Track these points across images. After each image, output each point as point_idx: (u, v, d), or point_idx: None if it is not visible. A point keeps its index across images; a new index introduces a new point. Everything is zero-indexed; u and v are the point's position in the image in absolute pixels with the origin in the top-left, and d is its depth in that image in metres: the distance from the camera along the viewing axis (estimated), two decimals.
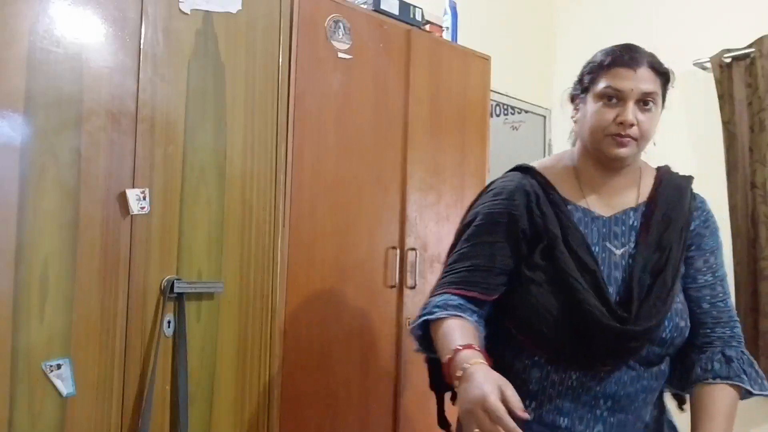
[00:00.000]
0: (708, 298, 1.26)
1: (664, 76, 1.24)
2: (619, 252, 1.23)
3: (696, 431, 1.18)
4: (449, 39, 2.43)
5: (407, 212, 2.15)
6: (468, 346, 1.04)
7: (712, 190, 2.87)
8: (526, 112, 3.44)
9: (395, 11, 2.16)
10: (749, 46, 2.76)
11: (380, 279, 2.06)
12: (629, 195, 1.28)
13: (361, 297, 2.00)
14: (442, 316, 1.15)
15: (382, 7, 2.13)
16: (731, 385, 1.19)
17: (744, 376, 1.20)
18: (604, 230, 1.25)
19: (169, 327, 1.56)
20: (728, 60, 2.83)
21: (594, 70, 1.24)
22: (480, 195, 1.36)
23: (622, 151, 1.21)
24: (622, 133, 1.19)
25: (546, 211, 1.23)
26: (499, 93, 3.15)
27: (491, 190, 1.32)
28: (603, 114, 1.20)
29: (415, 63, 2.19)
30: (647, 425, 1.24)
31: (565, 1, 3.61)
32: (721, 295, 1.27)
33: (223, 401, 1.66)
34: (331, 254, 1.93)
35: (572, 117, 1.30)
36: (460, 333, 1.10)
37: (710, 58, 2.87)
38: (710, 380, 1.20)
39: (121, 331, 1.49)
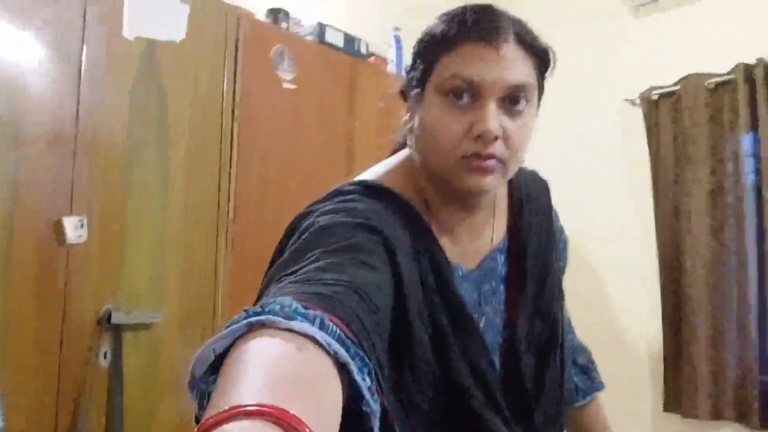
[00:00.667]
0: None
1: (540, 55, 0.80)
2: (491, 326, 0.85)
3: None
4: (394, 71, 2.48)
5: None
6: (248, 411, 0.39)
7: (641, 219, 3.04)
8: None
9: (340, 44, 2.20)
10: (675, 84, 2.93)
11: None
12: (488, 230, 0.87)
13: None
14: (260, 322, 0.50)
15: (327, 39, 2.16)
16: (591, 403, 1.13)
17: (596, 375, 1.13)
18: (476, 295, 0.85)
19: (105, 358, 1.51)
20: (656, 97, 3.00)
21: (431, 48, 0.77)
22: (317, 208, 0.83)
23: (485, 183, 0.76)
24: (483, 153, 0.74)
25: (429, 280, 0.77)
26: None
27: (348, 199, 0.81)
28: (449, 123, 0.75)
29: (359, 95, 2.23)
30: None
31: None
32: (566, 311, 1.02)
33: None
34: None
35: (405, 123, 0.85)
36: (268, 371, 0.45)
37: (640, 94, 3.03)
38: (581, 401, 1.10)
39: (55, 362, 1.43)
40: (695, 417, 2.71)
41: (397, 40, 2.53)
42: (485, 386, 0.78)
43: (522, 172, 0.93)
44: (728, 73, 2.78)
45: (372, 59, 2.39)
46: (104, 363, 1.51)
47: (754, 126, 2.71)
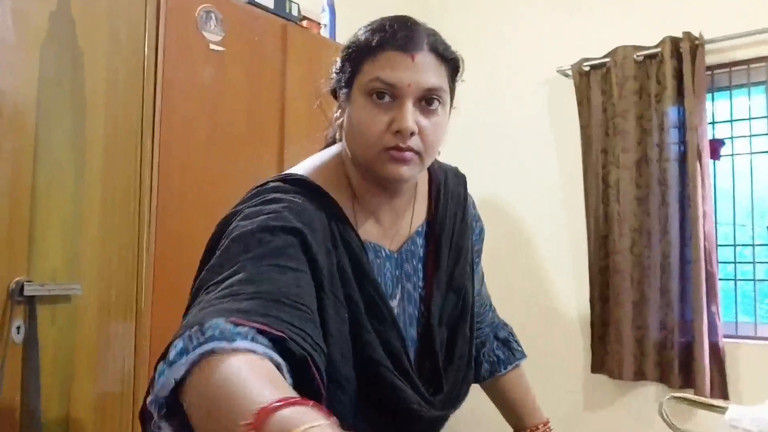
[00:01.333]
0: (477, 302, 1.11)
1: (451, 63, 0.92)
2: (409, 302, 0.97)
3: (517, 419, 1.22)
4: (327, 36, 2.43)
5: None
6: (290, 401, 0.52)
7: (571, 190, 3.11)
8: None
9: (270, 5, 2.12)
10: (605, 56, 2.98)
11: None
12: (409, 215, 0.99)
13: None
14: (219, 350, 0.61)
15: (257, 0, 2.08)
16: (512, 371, 1.23)
17: (519, 348, 1.25)
18: (397, 272, 0.97)
19: (18, 333, 1.44)
20: (587, 68, 3.04)
21: (357, 55, 0.89)
22: (242, 208, 0.92)
23: (403, 171, 0.88)
24: (402, 146, 0.86)
25: (344, 264, 0.87)
26: None
27: (269, 198, 0.89)
28: (372, 119, 0.86)
29: (291, 59, 2.16)
30: None
31: (440, 4, 3.72)
32: (484, 293, 1.21)
33: (82, 411, 1.55)
34: (201, 252, 1.85)
35: (335, 119, 0.97)
36: (259, 379, 0.57)
37: (571, 65, 3.07)
38: (502, 371, 1.21)
39: None
40: (620, 378, 2.83)
41: (331, 4, 2.47)
42: (395, 358, 0.89)
43: (442, 166, 1.07)
44: (656, 46, 2.85)
45: (304, 23, 2.32)
46: (17, 338, 1.43)
47: (679, 98, 2.80)
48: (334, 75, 0.96)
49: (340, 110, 0.95)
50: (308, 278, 0.78)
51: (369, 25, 0.92)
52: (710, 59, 2.79)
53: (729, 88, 2.91)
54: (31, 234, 1.46)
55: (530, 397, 1.25)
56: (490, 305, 1.26)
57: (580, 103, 3.05)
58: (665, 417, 1.51)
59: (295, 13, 2.22)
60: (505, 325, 1.30)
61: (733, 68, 2.86)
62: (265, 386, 0.55)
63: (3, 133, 1.42)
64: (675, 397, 1.61)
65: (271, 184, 0.93)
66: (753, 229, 2.85)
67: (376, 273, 0.93)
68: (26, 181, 1.46)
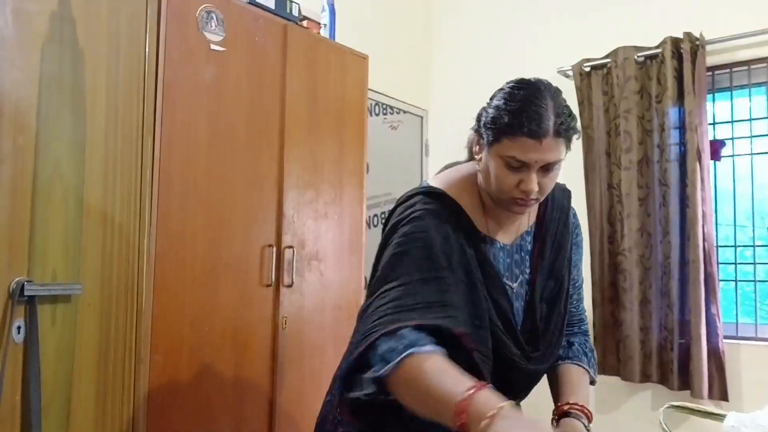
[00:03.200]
0: (575, 296, 1.39)
1: (570, 135, 1.17)
2: (517, 281, 1.26)
3: (559, 396, 1.31)
4: (327, 36, 2.43)
5: (284, 209, 2.12)
6: (484, 385, 0.92)
7: (573, 190, 3.10)
8: (405, 112, 3.51)
9: (271, 5, 2.12)
10: (606, 57, 2.98)
11: (255, 278, 2.02)
12: (523, 219, 1.29)
13: (235, 296, 1.95)
14: (424, 351, 0.99)
15: (258, 0, 2.08)
16: (574, 365, 1.35)
17: (584, 358, 1.37)
18: (509, 260, 1.27)
19: (19, 333, 1.44)
20: (587, 69, 3.04)
21: (496, 129, 1.14)
22: (400, 221, 1.22)
23: (524, 210, 1.21)
24: (525, 198, 1.15)
25: (466, 248, 1.18)
26: (377, 92, 3.19)
27: (413, 214, 1.20)
28: (505, 179, 1.15)
29: (291, 59, 2.17)
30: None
31: (441, 4, 3.72)
32: (575, 302, 1.40)
33: (82, 412, 1.55)
34: (202, 252, 1.86)
35: (475, 151, 1.24)
36: (456, 371, 0.97)
37: (572, 66, 3.07)
38: (559, 363, 1.36)
39: None
40: (627, 380, 2.82)
41: (331, 4, 2.47)
42: (505, 321, 1.19)
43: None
44: (657, 47, 2.84)
45: (305, 23, 2.32)
46: (18, 338, 1.43)
47: (680, 99, 2.79)
48: (480, 123, 1.20)
49: (478, 147, 1.21)
50: (452, 278, 1.13)
51: (509, 100, 1.13)
52: (711, 60, 2.79)
53: (730, 88, 2.91)
54: (32, 234, 1.46)
55: (582, 389, 1.32)
56: (580, 318, 1.42)
57: (581, 104, 3.05)
58: (664, 426, 1.51)
59: (295, 13, 2.22)
60: (587, 341, 1.42)
61: (734, 69, 2.86)
62: (458, 377, 0.95)
63: (4, 132, 1.42)
64: (674, 406, 1.61)
65: (413, 200, 1.24)
66: (754, 230, 2.85)
67: (494, 258, 1.23)
68: (26, 181, 1.46)
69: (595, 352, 1.42)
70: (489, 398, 0.89)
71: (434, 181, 1.29)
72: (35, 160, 1.47)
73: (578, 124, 1.19)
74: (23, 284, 1.42)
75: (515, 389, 1.22)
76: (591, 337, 1.47)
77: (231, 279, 1.94)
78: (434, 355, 0.99)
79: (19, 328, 1.44)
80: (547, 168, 1.14)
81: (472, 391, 0.90)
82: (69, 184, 1.54)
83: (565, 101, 1.17)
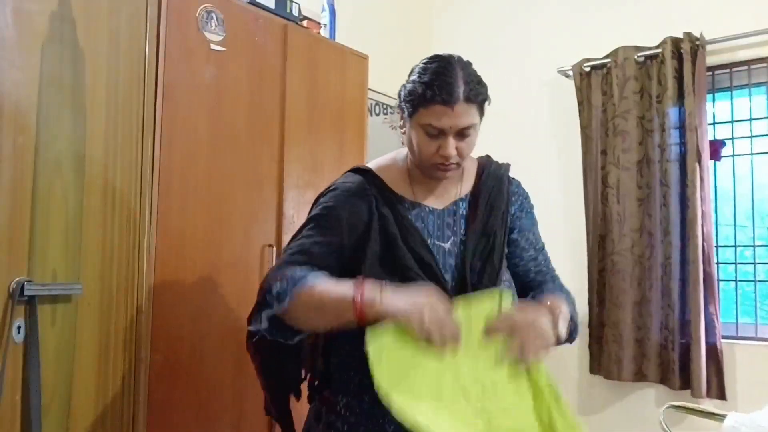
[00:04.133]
0: (533, 267, 1.45)
1: (481, 102, 1.28)
2: (450, 241, 1.34)
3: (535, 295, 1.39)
4: (327, 36, 2.43)
5: (284, 209, 2.12)
6: (365, 279, 1.15)
7: (571, 190, 3.11)
8: None
9: (271, 5, 2.12)
10: (606, 57, 2.98)
11: (255, 277, 2.02)
12: (456, 187, 1.39)
13: (235, 296, 1.95)
14: (308, 279, 1.20)
15: (258, 0, 2.08)
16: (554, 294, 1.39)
17: (561, 294, 1.39)
18: (439, 222, 1.36)
19: (19, 333, 1.44)
20: (587, 69, 3.04)
21: (413, 101, 1.26)
22: (323, 193, 1.40)
23: (446, 175, 1.32)
24: (445, 163, 1.27)
25: (384, 212, 1.30)
26: (378, 92, 3.19)
27: (333, 188, 1.37)
28: (425, 146, 1.26)
29: (291, 59, 2.16)
30: None
31: (441, 4, 3.72)
32: (543, 262, 1.47)
33: (82, 411, 1.55)
34: (203, 253, 1.86)
35: (400, 126, 1.35)
36: (341, 281, 1.18)
37: (572, 66, 3.07)
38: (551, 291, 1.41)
39: None
40: (618, 378, 2.82)
41: (331, 4, 2.47)
42: (425, 267, 1.27)
43: (491, 160, 1.47)
44: (657, 47, 2.84)
45: (305, 23, 2.32)
46: (18, 338, 1.43)
47: (680, 99, 2.79)
48: (400, 99, 1.31)
49: (402, 121, 1.33)
50: (334, 244, 1.29)
51: (423, 74, 1.26)
52: (711, 60, 2.79)
53: (730, 88, 2.91)
54: (32, 234, 1.46)
55: (561, 301, 1.34)
56: (552, 276, 1.48)
57: (580, 104, 3.04)
58: (664, 426, 1.51)
59: (295, 13, 2.22)
60: (568, 293, 1.44)
61: (734, 69, 2.86)
62: (344, 283, 1.16)
63: (4, 132, 1.42)
64: (674, 406, 1.62)
65: (347, 173, 1.40)
66: (754, 230, 2.85)
67: (420, 221, 1.33)
68: (27, 181, 1.46)
69: (572, 297, 1.42)
70: (375, 283, 1.13)
71: (370, 163, 1.44)
72: (35, 161, 1.47)
73: (487, 91, 1.28)
74: (23, 284, 1.42)
75: None
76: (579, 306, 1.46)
77: (231, 279, 1.94)
78: (319, 278, 1.19)
79: (19, 328, 1.44)
80: (462, 133, 1.25)
81: (360, 282, 1.13)
82: (69, 184, 1.54)
83: (475, 72, 1.28)
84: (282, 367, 1.39)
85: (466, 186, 1.41)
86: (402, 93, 1.31)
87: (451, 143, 1.25)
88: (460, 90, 1.22)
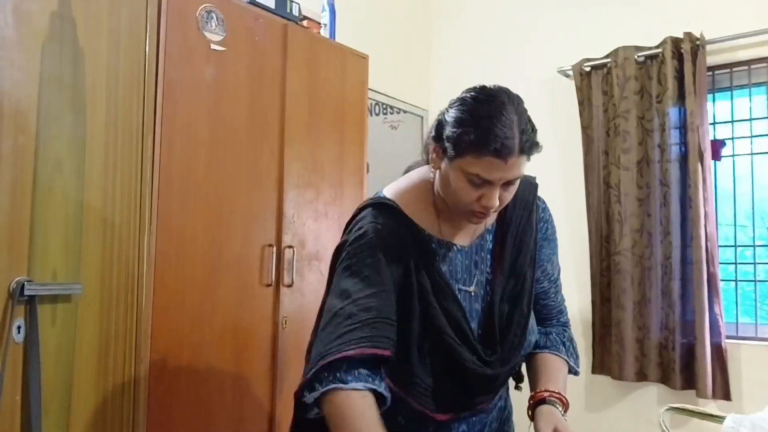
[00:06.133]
0: (542, 300, 1.37)
1: (533, 151, 1.15)
2: (475, 282, 1.25)
3: (536, 384, 1.32)
4: (327, 36, 2.43)
5: (284, 209, 2.12)
6: None
7: (573, 190, 3.11)
8: (405, 112, 3.51)
9: (271, 5, 2.12)
10: (606, 57, 2.98)
11: (255, 277, 2.02)
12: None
13: (235, 296, 1.95)
14: (346, 389, 1.06)
15: (258, 0, 2.08)
16: (552, 354, 1.35)
17: (562, 347, 1.36)
18: (467, 262, 1.25)
19: (19, 332, 1.44)
20: (588, 69, 3.04)
21: (460, 145, 1.11)
22: (348, 241, 1.22)
23: (482, 221, 1.21)
24: (485, 212, 1.15)
25: (415, 260, 1.19)
26: (378, 92, 3.19)
27: (360, 234, 1.20)
28: (466, 193, 1.13)
29: (291, 58, 2.16)
30: (500, 408, 1.36)
31: (441, 4, 3.72)
32: (552, 295, 1.39)
33: (82, 411, 1.55)
34: (202, 252, 1.86)
35: (432, 160, 1.21)
36: (365, 418, 1.04)
37: (572, 66, 3.07)
38: (536, 352, 1.35)
39: None
40: (621, 378, 2.82)
41: (331, 4, 2.47)
42: (456, 326, 1.18)
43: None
44: (657, 47, 2.84)
45: (305, 23, 2.32)
46: (18, 337, 1.43)
47: (680, 99, 2.79)
48: (441, 135, 1.16)
49: (436, 155, 1.19)
50: (389, 293, 1.15)
51: (474, 115, 1.10)
52: (711, 60, 2.79)
53: (730, 88, 2.91)
54: (32, 234, 1.46)
55: (560, 377, 1.31)
56: (559, 310, 1.41)
57: (581, 104, 3.04)
58: (664, 427, 1.51)
59: (295, 13, 2.22)
60: (565, 331, 1.41)
61: (734, 69, 2.86)
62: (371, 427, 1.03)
63: (4, 132, 1.42)
64: (673, 408, 1.62)
65: (363, 213, 1.25)
66: (754, 229, 2.85)
67: (448, 263, 1.23)
68: (27, 181, 1.46)
69: (575, 342, 1.40)
70: None
71: (388, 190, 1.28)
72: (35, 160, 1.47)
73: (538, 137, 1.15)
74: (23, 284, 1.42)
75: (476, 392, 1.23)
76: (577, 332, 1.49)
77: (231, 278, 1.94)
78: (356, 397, 1.06)
79: (19, 328, 1.44)
80: (508, 183, 1.14)
81: None
82: (69, 184, 1.54)
83: (526, 111, 1.14)
84: None
85: (493, 215, 1.25)
86: (446, 130, 1.14)
87: (496, 195, 1.12)
88: (516, 141, 1.08)
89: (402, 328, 1.14)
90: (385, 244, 1.18)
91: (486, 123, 1.08)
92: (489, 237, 1.28)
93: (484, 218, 1.18)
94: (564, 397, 1.26)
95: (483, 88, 1.15)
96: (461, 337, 1.19)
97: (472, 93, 1.15)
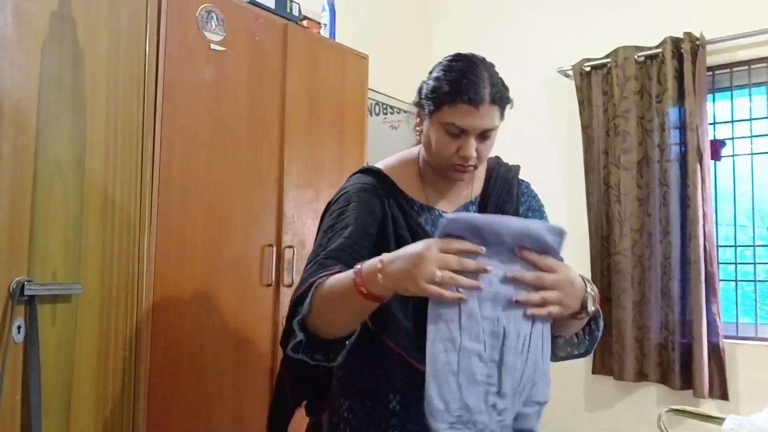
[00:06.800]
0: None
1: (504, 104, 1.25)
2: None
3: None
4: (327, 36, 2.43)
5: (284, 209, 2.12)
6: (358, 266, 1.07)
7: (573, 190, 3.11)
8: (405, 111, 3.51)
9: (271, 5, 2.12)
10: (606, 56, 2.98)
11: (255, 277, 2.02)
12: (467, 190, 1.37)
13: (235, 296, 1.95)
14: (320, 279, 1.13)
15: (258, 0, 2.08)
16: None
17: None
18: None
19: (19, 333, 1.44)
20: (588, 68, 3.04)
21: (437, 98, 1.22)
22: (333, 200, 1.33)
23: (463, 177, 1.29)
24: (464, 164, 1.23)
25: (396, 215, 1.26)
26: (378, 92, 3.19)
27: (344, 192, 1.30)
28: (445, 145, 1.22)
29: (291, 58, 2.16)
30: None
31: (441, 4, 3.72)
32: None
33: (82, 411, 1.55)
34: (203, 252, 1.86)
35: (416, 127, 1.32)
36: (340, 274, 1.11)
37: (572, 66, 3.07)
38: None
39: None
40: (621, 379, 2.82)
41: (331, 4, 2.47)
42: None
43: (500, 161, 1.43)
44: (657, 47, 2.84)
45: (305, 22, 2.32)
46: (18, 337, 1.43)
47: (680, 99, 2.79)
48: (421, 95, 1.27)
49: (419, 119, 1.30)
50: (374, 228, 1.23)
51: (448, 71, 1.22)
52: (711, 60, 2.79)
53: (730, 88, 2.91)
54: (32, 234, 1.46)
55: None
56: None
57: (581, 104, 3.05)
58: (663, 428, 1.52)
59: (295, 12, 2.22)
60: None
61: (734, 69, 2.86)
62: (348, 271, 1.07)
63: (4, 132, 1.42)
64: (673, 410, 1.62)
65: (351, 179, 1.35)
66: (754, 229, 2.85)
67: (430, 225, 1.29)
68: (27, 181, 1.46)
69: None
70: (373, 259, 1.05)
71: (378, 164, 1.39)
72: (35, 160, 1.47)
73: (509, 94, 1.25)
74: (23, 284, 1.42)
75: None
76: None
77: (231, 279, 1.94)
78: (328, 276, 1.12)
79: (19, 327, 1.44)
80: (483, 135, 1.22)
81: (358, 266, 1.06)
82: (69, 184, 1.54)
83: (498, 74, 1.25)
84: (313, 381, 1.31)
85: (476, 188, 1.38)
86: (423, 89, 1.26)
87: (472, 144, 1.21)
88: (487, 91, 1.19)
89: None
90: (367, 202, 1.26)
91: (459, 75, 1.20)
92: (472, 208, 1.36)
93: (465, 172, 1.25)
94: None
95: (458, 53, 1.27)
96: None
97: (448, 57, 1.27)
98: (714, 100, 2.94)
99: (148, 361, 1.69)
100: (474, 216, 1.16)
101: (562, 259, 1.10)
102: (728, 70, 2.87)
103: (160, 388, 1.72)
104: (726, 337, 2.71)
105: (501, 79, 1.25)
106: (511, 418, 1.07)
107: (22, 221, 1.45)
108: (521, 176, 1.44)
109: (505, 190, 1.37)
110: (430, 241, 1.01)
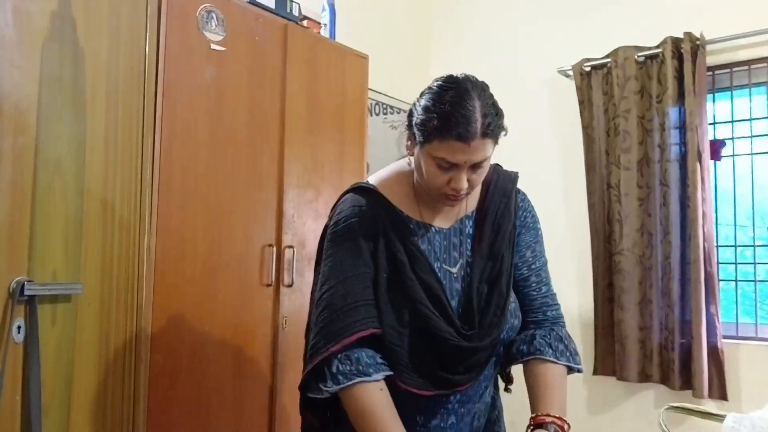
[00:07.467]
0: (523, 288, 1.37)
1: (497, 134, 1.20)
2: (457, 265, 1.31)
3: (534, 404, 1.30)
4: (327, 36, 2.43)
5: (284, 209, 2.12)
6: None
7: (573, 190, 3.11)
8: (405, 112, 3.50)
9: (271, 5, 2.12)
10: (606, 56, 2.98)
11: (255, 277, 2.02)
12: (462, 203, 1.33)
13: (235, 296, 1.95)
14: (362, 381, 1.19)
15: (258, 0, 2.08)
16: (546, 362, 1.32)
17: (549, 350, 1.33)
18: (446, 243, 1.32)
19: (19, 332, 1.44)
20: (588, 69, 3.04)
21: (426, 132, 1.18)
22: (331, 223, 1.32)
23: (454, 204, 1.28)
24: (456, 195, 1.22)
25: (392, 237, 1.26)
26: (378, 92, 3.19)
27: (340, 216, 1.30)
28: (436, 176, 1.21)
29: (291, 58, 2.16)
30: (487, 404, 1.39)
31: (440, 4, 3.72)
32: (534, 285, 1.38)
33: (82, 411, 1.55)
34: (202, 252, 1.86)
35: (407, 146, 1.29)
36: (385, 415, 1.18)
37: (572, 66, 3.07)
38: (520, 359, 1.35)
39: None
40: (622, 379, 2.82)
41: (331, 4, 2.47)
42: (434, 299, 1.24)
43: (497, 169, 1.39)
44: (657, 47, 2.84)
45: (305, 23, 2.32)
46: (18, 337, 1.43)
47: (680, 99, 2.79)
48: (412, 121, 1.24)
49: (410, 142, 1.27)
50: (370, 275, 1.24)
51: (438, 101, 1.17)
52: (711, 60, 2.79)
53: (730, 88, 2.91)
54: (32, 234, 1.46)
55: (556, 392, 1.30)
56: (542, 302, 1.38)
57: (581, 104, 3.04)
58: (663, 427, 1.51)
59: (295, 12, 2.22)
60: (553, 330, 1.37)
61: (734, 69, 2.86)
62: (391, 423, 1.17)
63: (4, 132, 1.42)
64: (673, 407, 1.62)
65: (345, 197, 1.34)
66: (754, 229, 2.85)
67: (427, 243, 1.29)
68: (27, 181, 1.46)
69: (568, 339, 1.38)
70: None
71: (371, 179, 1.37)
72: (35, 160, 1.47)
73: (503, 119, 1.21)
74: (23, 284, 1.42)
75: (454, 365, 1.25)
76: (577, 330, 1.46)
77: (231, 279, 1.94)
78: (375, 395, 1.18)
79: (19, 327, 1.44)
80: (476, 165, 1.19)
81: None
82: (69, 184, 1.54)
83: (492, 98, 1.20)
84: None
85: (472, 201, 1.35)
86: (414, 117, 1.22)
87: (463, 177, 1.19)
88: (478, 125, 1.14)
89: (380, 301, 1.23)
90: (364, 225, 1.26)
91: (448, 109, 1.15)
92: (469, 222, 1.34)
93: (457, 201, 1.25)
94: (565, 423, 1.26)
95: (449, 76, 1.21)
96: (439, 308, 1.24)
97: (438, 82, 1.22)
98: (714, 100, 2.94)
99: (148, 361, 1.69)
100: None
101: None
102: (728, 70, 2.87)
103: (160, 388, 1.72)
104: (726, 337, 2.71)
105: (495, 105, 1.20)
106: None
107: (22, 221, 1.44)
108: (522, 179, 1.42)
109: (503, 203, 1.34)
110: None
